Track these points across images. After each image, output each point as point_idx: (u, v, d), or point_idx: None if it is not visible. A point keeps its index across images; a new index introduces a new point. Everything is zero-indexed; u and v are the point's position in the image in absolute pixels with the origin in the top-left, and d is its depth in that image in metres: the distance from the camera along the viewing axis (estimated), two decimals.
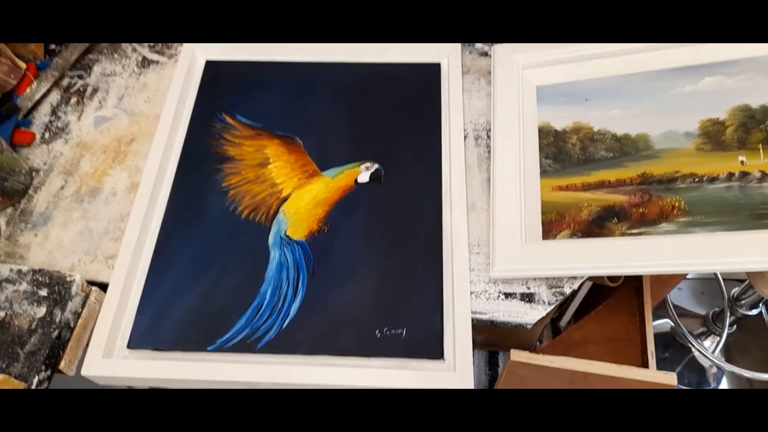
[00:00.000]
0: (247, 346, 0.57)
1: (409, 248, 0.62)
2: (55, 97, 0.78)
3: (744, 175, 0.59)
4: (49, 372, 0.56)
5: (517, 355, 0.65)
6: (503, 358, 1.00)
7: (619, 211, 0.61)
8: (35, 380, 0.54)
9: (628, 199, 0.61)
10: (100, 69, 0.80)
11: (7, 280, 0.59)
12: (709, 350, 1.08)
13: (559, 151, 0.67)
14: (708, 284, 1.23)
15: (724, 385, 1.15)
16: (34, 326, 0.56)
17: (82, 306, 0.59)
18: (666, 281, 0.92)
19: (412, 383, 0.54)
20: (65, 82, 0.79)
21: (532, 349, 0.94)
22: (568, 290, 0.61)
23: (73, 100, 0.77)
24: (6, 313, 0.57)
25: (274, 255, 0.62)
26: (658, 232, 0.58)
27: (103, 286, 0.61)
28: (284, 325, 0.58)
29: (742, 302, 1.05)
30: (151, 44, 0.81)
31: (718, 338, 1.09)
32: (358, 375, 0.55)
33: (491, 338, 0.86)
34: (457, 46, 0.75)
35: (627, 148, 0.65)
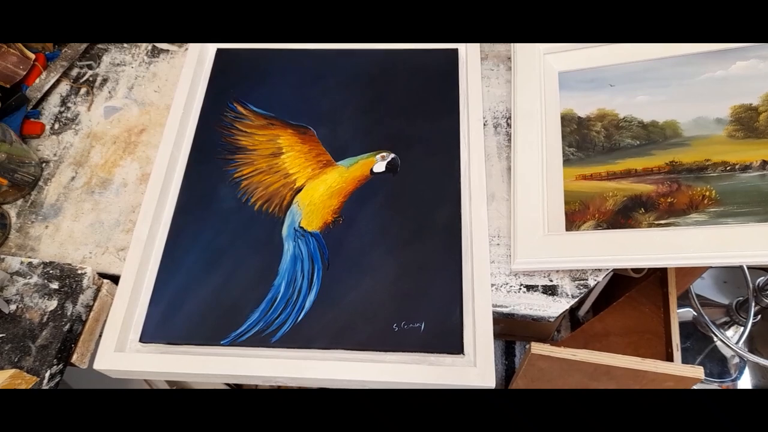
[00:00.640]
0: (261, 340, 0.56)
1: (427, 239, 0.60)
2: (64, 87, 0.76)
3: None
4: (61, 366, 0.55)
5: (538, 348, 0.63)
6: (520, 348, 0.98)
7: (646, 201, 0.58)
8: (47, 374, 0.53)
9: (656, 188, 0.59)
10: (109, 59, 0.79)
11: (18, 273, 0.58)
12: (732, 340, 1.06)
13: (583, 139, 0.64)
14: (731, 273, 1.20)
15: (747, 375, 1.13)
16: (45, 320, 0.55)
17: (94, 299, 0.59)
18: (690, 271, 0.90)
19: (431, 378, 0.53)
20: (74, 72, 0.78)
21: (551, 339, 0.92)
22: (592, 282, 0.59)
23: (83, 90, 0.76)
24: (17, 307, 0.56)
25: (288, 247, 0.61)
26: (687, 222, 0.56)
27: (115, 279, 0.60)
28: (299, 319, 0.57)
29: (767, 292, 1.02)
30: None
31: (742, 328, 1.07)
32: (375, 370, 0.54)
33: (509, 328, 0.84)
34: None
35: (654, 135, 0.62)
